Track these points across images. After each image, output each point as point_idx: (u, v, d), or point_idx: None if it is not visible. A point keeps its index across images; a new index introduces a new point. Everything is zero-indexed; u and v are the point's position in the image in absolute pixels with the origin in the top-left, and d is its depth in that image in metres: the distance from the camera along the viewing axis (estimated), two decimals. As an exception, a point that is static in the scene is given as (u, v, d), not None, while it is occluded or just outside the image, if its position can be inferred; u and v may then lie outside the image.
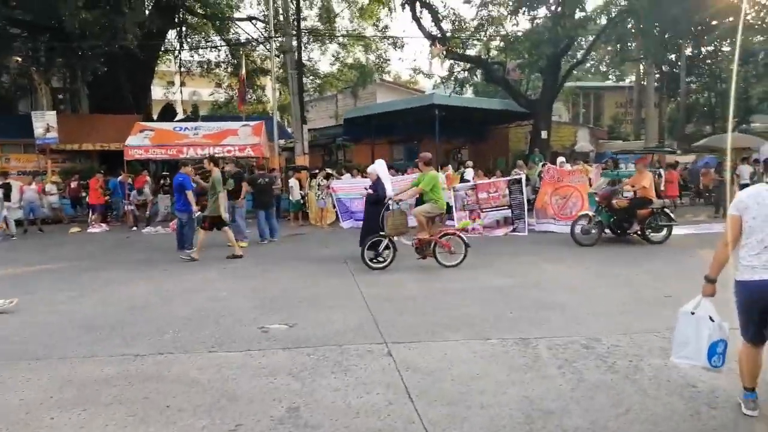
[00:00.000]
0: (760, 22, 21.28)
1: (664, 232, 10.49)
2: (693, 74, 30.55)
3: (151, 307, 6.32)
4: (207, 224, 9.75)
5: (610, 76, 42.45)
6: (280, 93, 27.02)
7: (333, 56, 28.25)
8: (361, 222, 10.13)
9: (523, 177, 13.35)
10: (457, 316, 5.65)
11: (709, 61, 29.50)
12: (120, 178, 16.28)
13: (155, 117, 23.69)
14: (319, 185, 15.27)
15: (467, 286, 7.13)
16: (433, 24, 21.79)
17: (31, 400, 3.71)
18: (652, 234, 10.44)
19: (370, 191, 9.13)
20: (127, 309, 6.20)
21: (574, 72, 28.02)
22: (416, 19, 21.60)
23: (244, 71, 21.46)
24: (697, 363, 3.46)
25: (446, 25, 22.10)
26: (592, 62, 38.43)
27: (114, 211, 16.87)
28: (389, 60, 31.72)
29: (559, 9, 19.44)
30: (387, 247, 8.42)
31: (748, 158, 16.53)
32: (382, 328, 5.24)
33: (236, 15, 26.07)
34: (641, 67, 30.14)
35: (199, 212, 11.05)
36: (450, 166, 17.13)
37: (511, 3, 20.59)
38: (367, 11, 25.53)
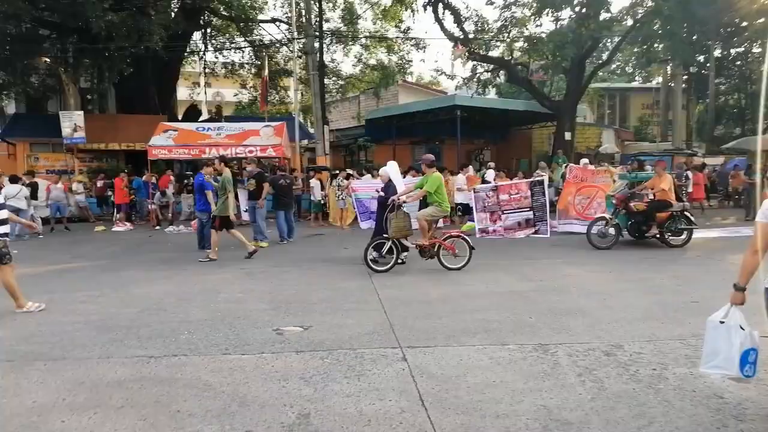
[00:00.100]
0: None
1: (684, 235, 10.26)
2: (722, 75, 29.89)
3: (168, 307, 6.33)
4: (218, 222, 9.80)
5: (636, 78, 41.70)
6: (303, 94, 27.13)
7: (355, 57, 28.40)
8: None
9: (546, 178, 13.19)
10: (475, 320, 5.53)
11: (739, 63, 28.85)
12: (144, 177, 16.50)
13: (180, 117, 24.01)
14: (339, 186, 15.28)
15: (486, 290, 7.01)
16: (455, 25, 21.71)
17: (44, 402, 3.71)
18: (671, 237, 10.23)
19: (382, 193, 9.07)
20: (144, 309, 6.22)
21: (600, 73, 27.61)
22: (438, 21, 21.53)
23: (267, 72, 21.58)
24: (729, 372, 3.30)
25: (469, 27, 22.04)
26: (617, 63, 37.78)
27: (137, 211, 17.10)
28: (411, 61, 31.76)
29: (584, 10, 19.13)
30: (390, 250, 8.34)
31: (779, 160, 16.13)
32: (397, 332, 5.16)
33: (260, 17, 26.33)
34: (668, 68, 29.58)
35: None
36: (471, 167, 16.99)
37: (534, 4, 20.37)
38: (389, 12, 25.59)
